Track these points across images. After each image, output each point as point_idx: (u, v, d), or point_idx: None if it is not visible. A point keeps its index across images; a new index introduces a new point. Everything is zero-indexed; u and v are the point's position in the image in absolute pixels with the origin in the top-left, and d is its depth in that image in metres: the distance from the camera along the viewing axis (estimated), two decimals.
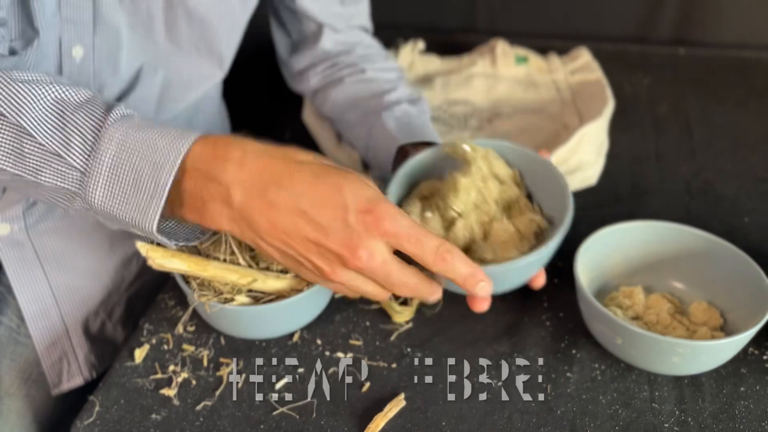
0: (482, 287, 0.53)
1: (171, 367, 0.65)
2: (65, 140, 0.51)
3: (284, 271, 0.63)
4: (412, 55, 1.15)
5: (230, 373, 0.64)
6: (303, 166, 0.50)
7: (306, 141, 0.99)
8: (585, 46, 1.14)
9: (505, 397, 0.62)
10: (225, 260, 0.63)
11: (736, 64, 1.18)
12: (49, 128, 0.51)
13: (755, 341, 0.65)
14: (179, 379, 0.63)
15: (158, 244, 0.59)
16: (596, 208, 0.85)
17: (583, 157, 0.88)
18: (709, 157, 0.95)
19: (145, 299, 0.80)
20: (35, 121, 0.51)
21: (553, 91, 1.07)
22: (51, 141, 0.51)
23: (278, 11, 0.88)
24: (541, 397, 0.62)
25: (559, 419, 0.60)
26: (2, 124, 0.51)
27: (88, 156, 0.51)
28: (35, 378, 0.77)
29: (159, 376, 0.64)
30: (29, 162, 0.52)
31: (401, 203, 0.63)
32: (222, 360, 0.65)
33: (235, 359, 0.65)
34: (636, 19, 1.28)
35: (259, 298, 0.64)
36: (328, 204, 0.48)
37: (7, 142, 0.51)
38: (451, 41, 1.23)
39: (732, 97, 1.09)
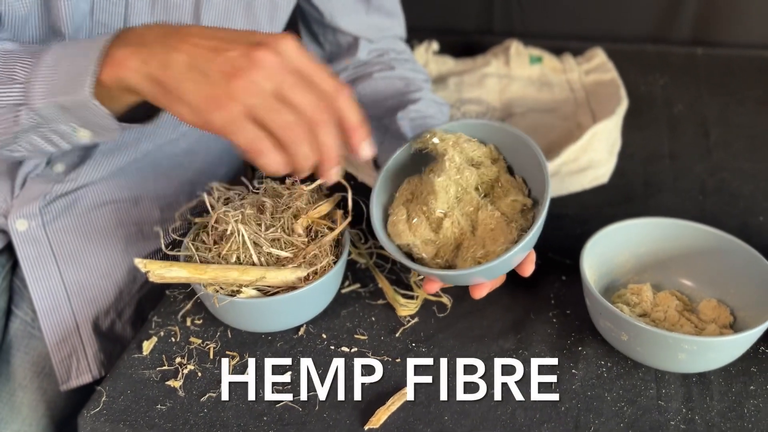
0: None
1: (177, 359, 0.65)
2: (6, 65, 0.56)
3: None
4: (426, 56, 1.15)
5: (236, 364, 0.64)
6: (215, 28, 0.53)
7: None
8: (600, 47, 1.14)
9: (508, 393, 0.61)
10: (239, 260, 0.63)
11: (756, 64, 1.17)
12: None
13: (766, 339, 0.64)
14: (185, 371, 0.64)
15: (164, 256, 0.62)
16: (608, 207, 0.84)
17: (594, 155, 0.87)
18: (726, 157, 0.94)
19: (155, 301, 0.81)
20: None
21: (566, 91, 1.07)
22: None
23: (311, 26, 0.89)
24: (545, 393, 0.61)
25: (563, 415, 0.59)
26: None
27: (30, 69, 0.55)
28: (48, 371, 0.78)
29: (165, 367, 0.65)
30: None
31: (387, 210, 0.66)
32: (228, 352, 0.66)
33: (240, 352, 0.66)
34: (653, 20, 1.27)
35: (266, 291, 0.64)
36: (232, 33, 0.51)
37: None
38: (467, 42, 1.23)
39: (751, 98, 1.07)
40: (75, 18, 0.66)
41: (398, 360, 0.65)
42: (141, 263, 0.61)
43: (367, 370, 0.64)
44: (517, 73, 1.10)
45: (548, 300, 0.71)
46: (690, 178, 0.90)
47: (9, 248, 0.80)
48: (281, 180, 0.69)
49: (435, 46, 1.16)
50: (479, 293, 0.63)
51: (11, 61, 0.56)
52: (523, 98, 1.06)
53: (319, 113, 0.51)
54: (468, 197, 0.63)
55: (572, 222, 0.81)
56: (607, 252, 0.68)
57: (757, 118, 1.02)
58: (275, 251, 0.65)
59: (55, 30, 0.66)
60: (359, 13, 0.85)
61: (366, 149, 0.54)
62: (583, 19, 1.29)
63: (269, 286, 0.64)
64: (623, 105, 0.95)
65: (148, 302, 0.83)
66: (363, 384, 0.62)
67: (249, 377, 0.63)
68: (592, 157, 0.86)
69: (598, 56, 1.12)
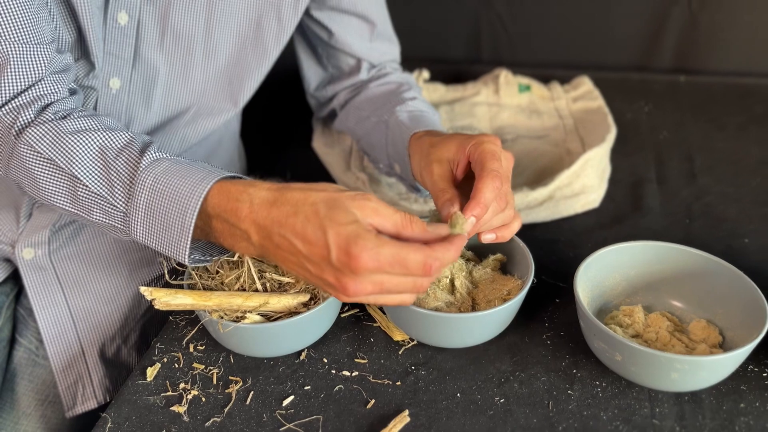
0: (464, 241, 0.58)
1: (181, 385, 0.66)
2: (109, 185, 0.60)
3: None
4: (418, 83, 1.18)
5: (239, 389, 0.65)
6: (299, 210, 0.55)
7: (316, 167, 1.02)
8: (586, 75, 1.17)
9: (507, 413, 0.63)
10: (243, 287, 0.65)
11: (736, 90, 1.21)
12: (96, 175, 0.60)
13: (755, 358, 0.66)
14: (189, 396, 0.65)
15: (165, 284, 0.65)
16: (598, 230, 0.87)
17: (587, 181, 0.90)
18: (711, 181, 0.97)
19: (159, 327, 0.82)
20: (85, 169, 0.60)
21: (555, 118, 1.10)
22: (98, 186, 0.60)
23: (316, 49, 0.93)
24: (543, 413, 0.63)
25: None
26: (59, 173, 0.61)
27: (128, 199, 0.60)
28: (51, 399, 0.79)
29: (170, 393, 0.66)
30: (83, 203, 0.61)
31: None
32: (231, 378, 0.67)
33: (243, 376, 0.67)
34: (637, 49, 1.31)
35: (269, 317, 0.66)
36: (315, 244, 0.53)
37: (64, 187, 0.61)
38: (456, 71, 1.26)
39: (732, 123, 1.11)
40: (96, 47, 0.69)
41: (398, 383, 0.66)
42: (146, 291, 0.62)
43: (368, 393, 0.65)
44: (506, 101, 1.13)
45: (542, 322, 0.73)
46: (676, 202, 0.92)
47: (12, 278, 0.81)
48: None
49: (426, 74, 1.20)
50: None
51: (112, 173, 0.60)
52: (514, 125, 1.09)
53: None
54: (458, 264, 0.72)
55: (565, 246, 0.84)
56: (599, 275, 0.70)
57: (738, 144, 1.06)
58: (278, 277, 0.66)
59: (90, 61, 0.70)
60: (364, 38, 0.88)
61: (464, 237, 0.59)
62: (568, 48, 1.32)
63: (272, 312, 0.65)
64: (612, 132, 0.98)
65: (152, 328, 0.84)
66: (364, 407, 0.64)
67: (252, 401, 0.64)
68: (584, 183, 0.89)
69: (585, 84, 1.15)
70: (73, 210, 0.62)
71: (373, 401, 0.64)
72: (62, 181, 0.61)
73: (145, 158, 0.60)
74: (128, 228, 0.61)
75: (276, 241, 0.55)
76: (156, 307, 0.62)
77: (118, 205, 0.60)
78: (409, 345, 0.70)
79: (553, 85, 1.17)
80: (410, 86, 0.88)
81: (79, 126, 0.62)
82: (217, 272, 0.67)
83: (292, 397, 0.65)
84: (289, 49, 0.93)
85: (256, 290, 0.66)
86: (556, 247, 0.83)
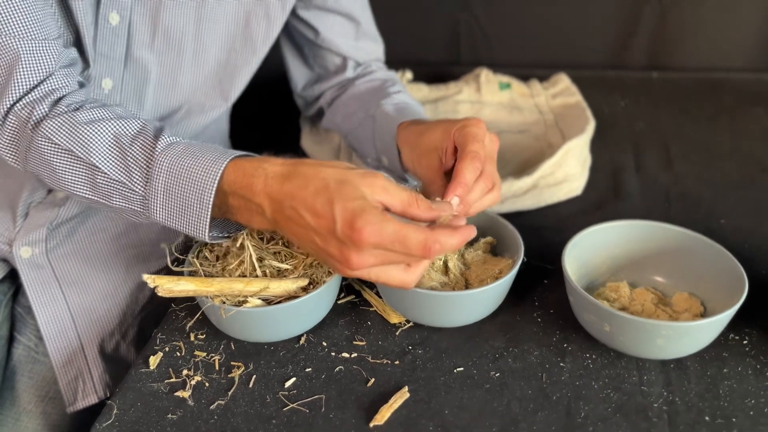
0: (470, 234, 0.60)
1: (184, 372, 0.68)
2: (127, 170, 0.62)
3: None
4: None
5: (242, 374, 0.67)
6: (310, 184, 0.57)
7: None
8: (564, 73, 1.21)
9: (503, 386, 0.65)
10: (244, 274, 0.67)
11: (706, 84, 1.26)
12: (113, 162, 0.62)
13: (735, 327, 0.69)
14: (193, 382, 0.67)
15: (168, 272, 0.67)
16: (581, 215, 0.90)
17: (569, 170, 0.93)
18: (687, 167, 1.01)
19: (157, 322, 0.83)
20: (102, 157, 0.62)
21: (536, 114, 1.13)
22: (116, 172, 0.62)
23: (302, 49, 0.95)
24: (537, 385, 0.65)
25: (554, 404, 0.63)
26: (78, 163, 0.63)
27: (146, 183, 0.62)
28: (52, 396, 0.79)
29: (173, 380, 0.67)
30: (102, 190, 0.63)
31: None
32: (233, 363, 0.69)
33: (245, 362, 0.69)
34: (611, 48, 1.36)
35: (270, 301, 0.67)
36: (323, 216, 0.55)
37: (84, 175, 0.63)
38: (437, 73, 1.30)
39: (704, 115, 1.16)
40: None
41: (397, 362, 0.68)
42: (150, 278, 0.63)
43: (368, 372, 0.67)
44: (487, 98, 1.17)
45: (533, 302, 0.76)
46: (655, 187, 0.96)
47: (10, 277, 0.82)
48: None
49: (409, 74, 1.23)
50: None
51: (129, 158, 0.62)
52: (496, 121, 1.12)
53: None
54: None
55: (551, 232, 0.86)
56: (585, 254, 0.73)
57: (710, 133, 1.10)
58: (277, 264, 0.68)
59: (85, 59, 0.72)
60: (349, 37, 0.91)
61: (471, 233, 0.60)
62: (545, 48, 1.37)
63: (272, 296, 0.67)
64: (591, 124, 1.02)
65: (150, 323, 0.85)
66: (364, 385, 0.66)
67: (255, 384, 0.66)
68: (567, 172, 0.92)
69: (563, 81, 1.19)
70: (93, 197, 0.64)
71: (373, 380, 0.66)
72: (81, 170, 0.63)
73: (160, 143, 0.62)
74: (148, 211, 0.62)
75: (287, 213, 0.57)
76: (159, 294, 0.64)
77: (137, 189, 0.62)
78: (405, 326, 0.73)
79: (532, 82, 1.21)
80: (395, 82, 0.91)
81: (92, 116, 0.64)
82: (217, 258, 0.69)
83: (294, 379, 0.67)
84: (276, 51, 0.96)
85: (257, 277, 0.67)
86: (542, 233, 0.86)
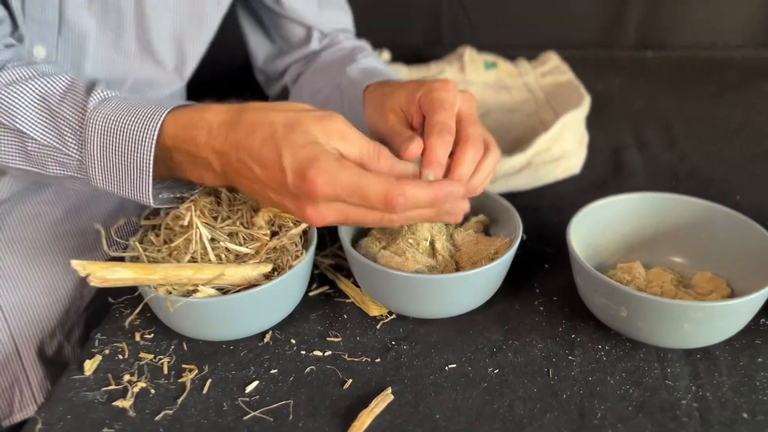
0: (452, 192, 0.51)
1: (126, 377, 0.57)
2: (58, 134, 0.54)
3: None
4: None
5: (195, 378, 0.57)
6: (255, 131, 0.50)
7: None
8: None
9: (503, 384, 0.55)
10: (194, 259, 0.57)
11: (707, 62, 1.19)
12: (42, 126, 0.55)
13: (766, 311, 0.60)
14: (135, 389, 0.56)
15: (110, 259, 0.57)
16: (581, 195, 0.81)
17: (566, 145, 0.84)
18: (693, 144, 0.93)
19: None
20: (29, 122, 0.54)
21: (525, 93, 1.04)
22: (47, 137, 0.55)
23: (262, 19, 0.85)
24: (543, 382, 0.55)
25: (565, 403, 0.53)
26: (3, 131, 0.55)
27: (81, 146, 0.54)
28: None
29: (112, 387, 0.56)
30: (36, 158, 0.56)
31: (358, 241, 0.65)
32: (185, 366, 0.58)
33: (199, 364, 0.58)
34: (600, 27, 1.29)
35: (226, 290, 0.57)
36: (271, 168, 0.49)
37: (12, 144, 0.56)
38: (418, 54, 1.21)
39: (706, 92, 1.08)
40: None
41: (377, 360, 0.58)
42: (79, 265, 0.53)
43: (345, 373, 0.57)
44: (472, 78, 1.08)
45: (533, 289, 0.66)
46: (660, 165, 0.88)
47: None
48: None
49: (386, 54, 1.14)
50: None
51: (59, 120, 0.55)
52: (482, 101, 1.03)
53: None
54: (437, 226, 0.64)
55: (549, 212, 0.77)
56: (591, 233, 0.64)
57: (716, 110, 1.02)
58: (234, 247, 0.58)
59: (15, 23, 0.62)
60: (312, 3, 0.81)
61: (457, 194, 0.53)
62: (531, 28, 1.29)
63: (229, 285, 0.57)
64: (587, 99, 0.93)
65: (97, 320, 0.74)
66: (340, 388, 0.55)
67: (210, 390, 0.55)
68: (563, 147, 0.83)
69: (552, 59, 1.10)
70: (28, 168, 0.57)
71: (350, 381, 0.56)
72: (9, 138, 0.55)
73: (91, 99, 0.54)
74: (86, 175, 0.55)
75: (235, 166, 0.51)
76: (91, 283, 0.53)
77: (72, 154, 0.55)
78: (388, 319, 0.63)
79: (519, 61, 1.12)
80: (364, 49, 0.81)
81: (14, 76, 0.55)
82: (165, 243, 0.59)
83: (256, 383, 0.56)
84: (236, 27, 0.87)
85: (210, 262, 0.57)
86: (540, 214, 0.77)
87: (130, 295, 0.65)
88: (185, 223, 0.57)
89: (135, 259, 0.58)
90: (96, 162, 0.54)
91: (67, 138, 0.54)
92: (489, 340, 0.60)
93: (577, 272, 0.59)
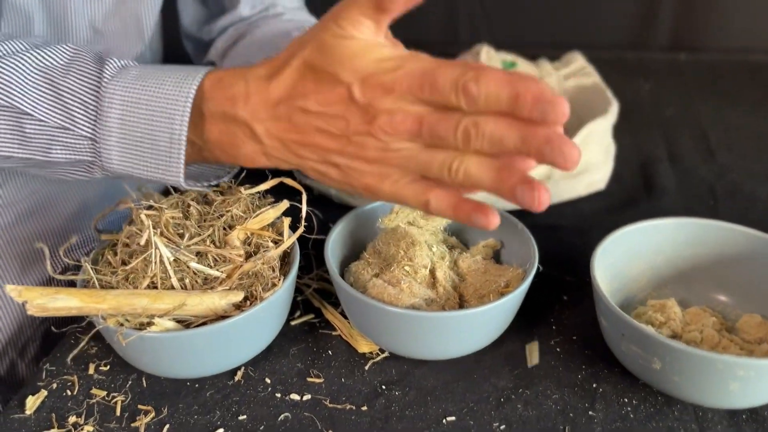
0: (541, 92, 0.39)
1: (72, 419, 0.49)
2: (66, 110, 0.47)
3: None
4: None
5: (150, 422, 0.48)
6: (293, 71, 0.44)
7: None
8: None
9: None
10: (154, 284, 0.49)
11: (745, 67, 1.09)
12: (45, 102, 0.47)
13: None
14: None
15: (61, 280, 0.50)
16: (606, 214, 0.73)
17: (591, 157, 0.75)
18: (733, 158, 0.83)
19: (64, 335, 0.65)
20: (29, 99, 0.47)
21: None
22: (52, 115, 0.47)
23: None
24: None
25: None
26: None
27: (95, 121, 0.47)
28: None
29: (55, 430, 0.49)
30: (36, 142, 0.48)
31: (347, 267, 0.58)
32: (140, 407, 0.50)
33: (157, 405, 0.50)
34: (630, 26, 1.19)
35: (190, 323, 0.49)
36: (331, 95, 0.43)
37: (8, 127, 0.47)
38: (433, 52, 1.12)
39: (746, 100, 0.98)
40: None
41: (364, 407, 0.50)
42: (15, 291, 0.45)
43: (325, 422, 0.49)
44: None
45: (549, 325, 0.57)
46: (695, 181, 0.78)
47: None
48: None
49: None
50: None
51: (66, 95, 0.47)
52: None
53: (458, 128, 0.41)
54: (439, 251, 0.58)
55: (569, 233, 0.69)
56: (618, 262, 0.55)
57: (758, 120, 0.92)
58: (201, 268, 0.50)
59: None
60: None
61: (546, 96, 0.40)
62: (554, 26, 1.20)
63: (192, 317, 0.49)
64: (614, 105, 0.84)
65: (55, 336, 0.67)
66: None
67: None
68: (587, 160, 0.74)
69: (577, 60, 1.01)
70: (25, 155, 0.48)
71: None
72: (3, 120, 0.47)
73: (107, 69, 0.47)
74: (101, 158, 0.48)
75: (284, 116, 0.44)
76: (29, 312, 0.46)
77: (84, 132, 0.47)
78: (379, 358, 0.54)
79: (541, 62, 1.03)
80: (312, 23, 0.72)
81: (6, 49, 0.47)
82: (123, 263, 0.51)
83: (221, 430, 0.48)
84: None
85: (172, 288, 0.49)
86: (560, 235, 0.68)
87: (88, 326, 0.57)
88: (142, 242, 0.49)
89: (87, 283, 0.50)
90: (113, 139, 0.47)
91: (76, 114, 0.47)
92: (495, 388, 0.51)
93: (601, 312, 0.50)
